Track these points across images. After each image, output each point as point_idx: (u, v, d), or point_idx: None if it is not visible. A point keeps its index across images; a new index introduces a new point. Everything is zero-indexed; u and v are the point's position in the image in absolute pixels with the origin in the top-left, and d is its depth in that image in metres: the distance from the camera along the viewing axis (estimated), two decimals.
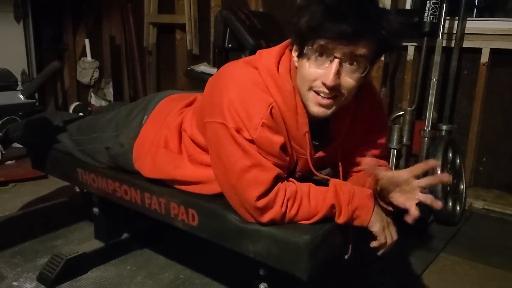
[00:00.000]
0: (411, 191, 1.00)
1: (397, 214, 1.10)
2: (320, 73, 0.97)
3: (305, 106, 1.05)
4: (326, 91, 0.98)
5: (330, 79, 0.95)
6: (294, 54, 1.03)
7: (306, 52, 0.97)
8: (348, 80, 0.98)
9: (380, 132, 1.25)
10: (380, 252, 1.07)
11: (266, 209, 1.03)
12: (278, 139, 1.04)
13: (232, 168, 1.04)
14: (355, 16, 0.89)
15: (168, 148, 1.26)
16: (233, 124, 1.01)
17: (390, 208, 1.08)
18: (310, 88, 1.00)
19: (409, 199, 1.00)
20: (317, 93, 1.00)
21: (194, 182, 1.21)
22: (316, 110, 1.02)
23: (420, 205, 1.02)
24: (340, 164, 1.19)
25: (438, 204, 0.98)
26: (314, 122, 1.09)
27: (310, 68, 0.98)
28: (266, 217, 1.04)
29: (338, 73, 0.96)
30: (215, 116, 1.05)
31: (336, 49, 0.93)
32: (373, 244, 1.06)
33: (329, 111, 1.03)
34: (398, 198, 1.03)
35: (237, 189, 1.04)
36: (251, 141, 1.02)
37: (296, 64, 1.03)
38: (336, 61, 0.95)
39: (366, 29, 0.92)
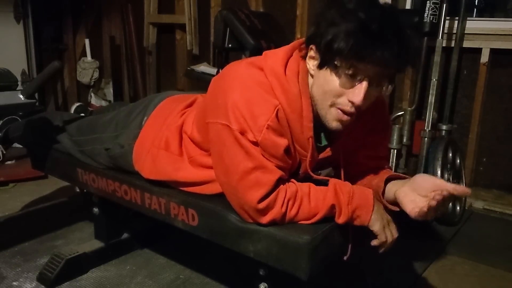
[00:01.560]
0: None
1: (397, 213, 1.10)
2: (347, 91, 0.97)
3: (313, 111, 1.05)
4: (352, 109, 0.98)
5: (360, 99, 0.95)
6: (311, 61, 1.02)
7: (336, 69, 0.96)
8: (369, 97, 0.99)
9: (383, 133, 1.25)
10: (381, 251, 1.08)
11: (267, 210, 1.03)
12: (283, 142, 1.04)
13: (234, 169, 1.03)
14: (398, 44, 0.90)
15: (169, 149, 1.26)
16: (237, 126, 1.01)
17: (396, 208, 1.08)
18: (333, 105, 1.00)
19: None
20: (340, 110, 1.00)
21: (194, 183, 1.21)
22: (335, 125, 1.03)
23: None
24: (342, 164, 1.19)
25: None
26: (318, 124, 1.09)
27: (339, 85, 0.97)
28: (266, 218, 1.04)
29: (366, 93, 0.96)
30: (218, 117, 1.04)
31: (369, 70, 0.94)
32: (374, 242, 1.06)
33: (345, 126, 1.04)
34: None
35: (238, 191, 1.04)
36: (255, 143, 1.01)
37: (312, 72, 1.03)
38: (367, 80, 0.95)
39: (405, 56, 0.93)
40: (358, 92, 0.95)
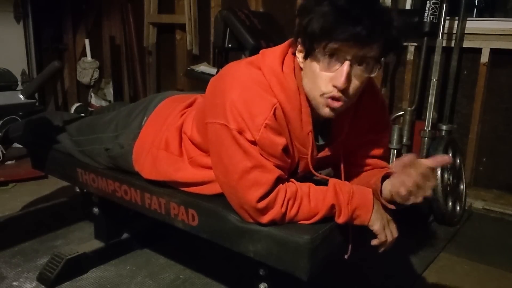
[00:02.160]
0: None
1: (397, 212, 1.10)
2: (331, 76, 0.97)
3: (309, 106, 1.05)
4: (338, 94, 0.98)
5: (341, 82, 0.95)
6: (299, 54, 1.03)
7: (316, 54, 0.97)
8: (356, 82, 0.98)
9: (382, 132, 1.25)
10: (380, 250, 1.08)
11: (267, 210, 1.03)
12: (281, 141, 1.04)
13: (233, 169, 1.03)
14: (368, 19, 0.89)
15: (169, 150, 1.26)
16: (235, 125, 1.01)
17: (393, 207, 1.08)
18: (322, 95, 1.00)
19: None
20: (328, 97, 1.00)
21: (194, 183, 1.21)
22: (327, 111, 1.02)
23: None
24: (342, 164, 1.19)
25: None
26: (317, 122, 1.09)
27: (320, 71, 0.97)
28: (266, 218, 1.04)
29: (348, 75, 0.96)
30: (217, 117, 1.04)
31: (347, 51, 0.93)
32: (374, 242, 1.06)
33: (337, 113, 1.04)
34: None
35: (237, 190, 1.04)
36: (253, 142, 1.01)
37: (301, 65, 1.03)
38: (347, 63, 0.94)
39: (379, 32, 0.92)
40: (340, 75, 0.95)
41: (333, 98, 0.99)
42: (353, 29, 0.89)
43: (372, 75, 0.99)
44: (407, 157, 1.01)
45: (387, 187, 1.09)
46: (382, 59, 1.00)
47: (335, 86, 0.97)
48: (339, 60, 0.95)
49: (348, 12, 0.90)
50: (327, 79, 0.98)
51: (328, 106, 1.01)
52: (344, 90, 0.97)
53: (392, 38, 0.95)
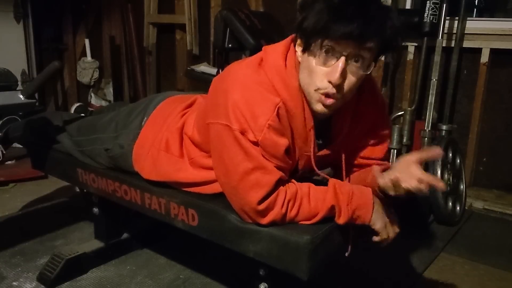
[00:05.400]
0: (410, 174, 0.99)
1: (397, 212, 1.10)
2: (326, 71, 0.97)
3: (308, 102, 1.06)
4: (332, 91, 0.98)
5: (336, 77, 0.95)
6: (298, 48, 1.03)
7: (313, 49, 0.97)
8: (351, 78, 0.98)
9: (383, 134, 1.25)
10: (382, 246, 1.08)
11: (267, 211, 1.03)
12: (283, 142, 1.04)
13: (234, 170, 1.03)
14: (362, 18, 0.90)
15: (169, 151, 1.26)
16: (237, 126, 1.01)
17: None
18: (317, 90, 1.00)
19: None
20: (323, 93, 1.00)
21: (195, 184, 1.21)
22: (319, 108, 1.03)
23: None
24: (343, 165, 1.19)
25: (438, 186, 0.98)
26: (316, 120, 1.09)
27: (316, 65, 0.98)
28: (266, 219, 1.04)
29: (344, 71, 0.96)
30: (219, 117, 1.04)
31: (343, 48, 0.94)
32: (375, 239, 1.07)
33: (331, 110, 1.04)
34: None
35: (238, 191, 1.04)
36: (256, 143, 1.01)
37: (300, 58, 1.04)
38: (343, 59, 0.95)
39: (373, 30, 0.92)
40: (335, 70, 0.96)
41: (327, 95, 1.00)
42: (345, 28, 0.90)
43: (368, 72, 0.99)
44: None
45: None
46: (380, 57, 1.01)
47: (330, 82, 0.97)
48: (335, 55, 0.96)
49: (341, 10, 0.91)
50: (322, 74, 0.98)
51: (321, 102, 1.01)
52: (338, 86, 0.98)
53: (387, 38, 0.96)
